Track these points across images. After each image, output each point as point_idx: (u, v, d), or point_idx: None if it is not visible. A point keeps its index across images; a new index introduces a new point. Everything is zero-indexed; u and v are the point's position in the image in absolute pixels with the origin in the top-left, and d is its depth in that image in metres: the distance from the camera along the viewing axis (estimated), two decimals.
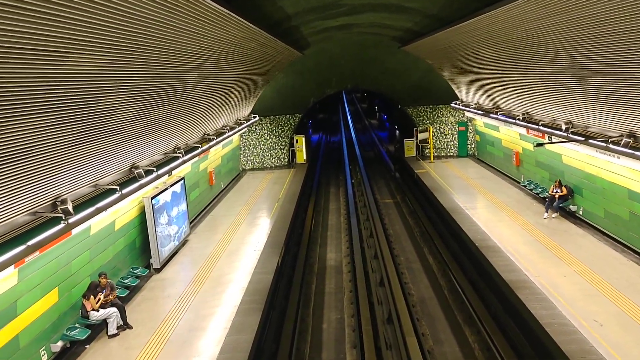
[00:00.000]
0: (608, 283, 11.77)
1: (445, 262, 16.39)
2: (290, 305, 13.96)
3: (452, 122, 28.78)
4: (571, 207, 16.75)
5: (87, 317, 10.52)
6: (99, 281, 10.83)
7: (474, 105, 24.19)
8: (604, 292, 11.37)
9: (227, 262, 14.69)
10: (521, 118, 18.50)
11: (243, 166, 28.86)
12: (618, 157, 12.95)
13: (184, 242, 16.30)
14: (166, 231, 14.73)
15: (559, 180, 17.02)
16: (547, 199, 17.24)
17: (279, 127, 28.94)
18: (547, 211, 16.93)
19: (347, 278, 16.14)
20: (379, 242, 17.71)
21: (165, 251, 14.59)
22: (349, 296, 14.79)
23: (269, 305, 12.31)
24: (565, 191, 16.67)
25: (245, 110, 24.77)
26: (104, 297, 10.72)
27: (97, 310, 10.55)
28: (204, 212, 20.25)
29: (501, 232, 15.74)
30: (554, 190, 16.88)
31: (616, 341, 9.36)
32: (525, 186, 20.32)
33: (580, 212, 16.40)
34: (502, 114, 20.52)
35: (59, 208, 8.59)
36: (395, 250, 18.14)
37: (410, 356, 10.51)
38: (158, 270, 14.12)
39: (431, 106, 28.84)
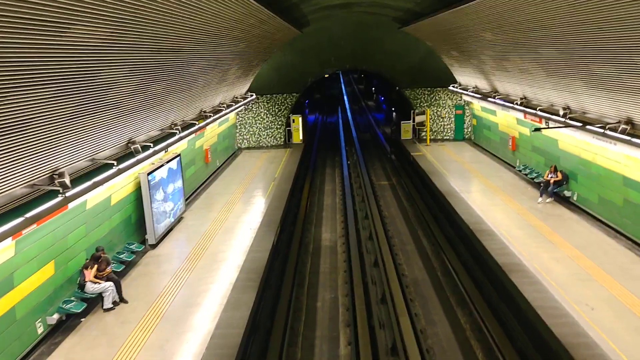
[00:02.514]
0: (600, 268, 11.90)
1: (439, 245, 16.50)
2: (285, 283, 14.05)
3: (449, 106, 28.73)
4: (565, 192, 16.84)
5: (84, 288, 10.56)
6: (100, 255, 10.88)
7: (472, 89, 24.14)
8: (596, 277, 11.50)
9: (222, 240, 14.73)
10: (519, 102, 18.50)
11: (239, 144, 28.78)
12: (614, 144, 12.99)
13: (179, 219, 16.31)
14: (162, 207, 14.73)
15: (555, 165, 17.09)
16: (542, 184, 17.32)
17: (276, 107, 28.80)
18: (541, 196, 17.02)
19: (342, 258, 16.24)
20: (374, 223, 17.79)
21: (161, 227, 14.60)
22: (344, 276, 14.89)
23: (264, 283, 12.38)
24: (560, 176, 16.74)
25: (243, 88, 24.63)
26: (100, 272, 10.76)
27: (95, 283, 10.58)
28: (199, 189, 20.24)
29: (495, 216, 15.84)
30: (549, 176, 16.96)
31: (607, 325, 9.50)
32: (520, 171, 20.39)
33: (575, 198, 16.51)
34: (500, 98, 20.50)
35: (56, 181, 8.58)
36: (390, 232, 18.23)
37: (403, 335, 10.62)
38: (153, 247, 14.15)
39: (429, 89, 28.75)
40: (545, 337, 9.68)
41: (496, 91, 21.02)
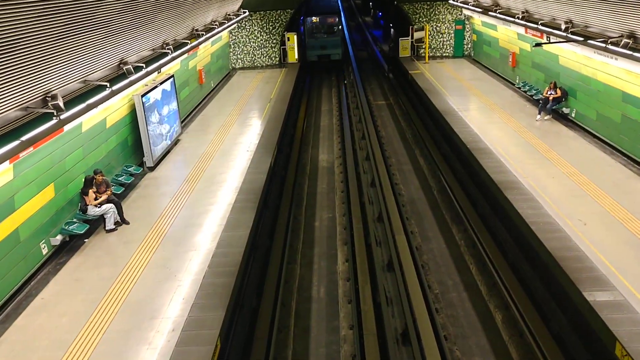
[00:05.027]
0: (594, 184, 12.02)
1: (435, 164, 16.59)
2: (283, 204, 14.26)
3: (449, 21, 27.87)
4: (564, 109, 16.72)
5: (85, 212, 10.70)
6: (94, 177, 10.91)
7: (472, 2, 23.34)
8: (590, 192, 11.65)
9: (220, 162, 14.75)
10: (520, 17, 17.95)
11: (233, 65, 28.18)
12: (615, 59, 12.75)
13: (176, 142, 16.27)
14: (158, 130, 14.64)
15: (554, 82, 16.85)
16: (540, 101, 17.16)
17: (270, 24, 27.92)
18: (540, 113, 16.91)
19: (339, 179, 16.38)
20: (371, 143, 17.80)
21: (158, 150, 14.58)
22: (341, 196, 15.09)
23: (262, 204, 12.55)
24: (559, 93, 16.56)
25: (235, 5, 23.75)
26: (100, 193, 10.85)
27: (97, 206, 10.70)
28: (194, 111, 20.04)
29: (493, 134, 15.79)
30: (549, 92, 16.77)
31: (598, 239, 9.73)
32: (520, 88, 20.14)
33: (573, 115, 16.42)
34: (501, 12, 19.87)
35: (49, 104, 8.45)
36: (387, 152, 18.29)
37: (399, 252, 10.93)
38: (151, 169, 14.20)
39: (428, 3, 27.75)
40: (537, 250, 9.95)
41: (497, 5, 20.34)
